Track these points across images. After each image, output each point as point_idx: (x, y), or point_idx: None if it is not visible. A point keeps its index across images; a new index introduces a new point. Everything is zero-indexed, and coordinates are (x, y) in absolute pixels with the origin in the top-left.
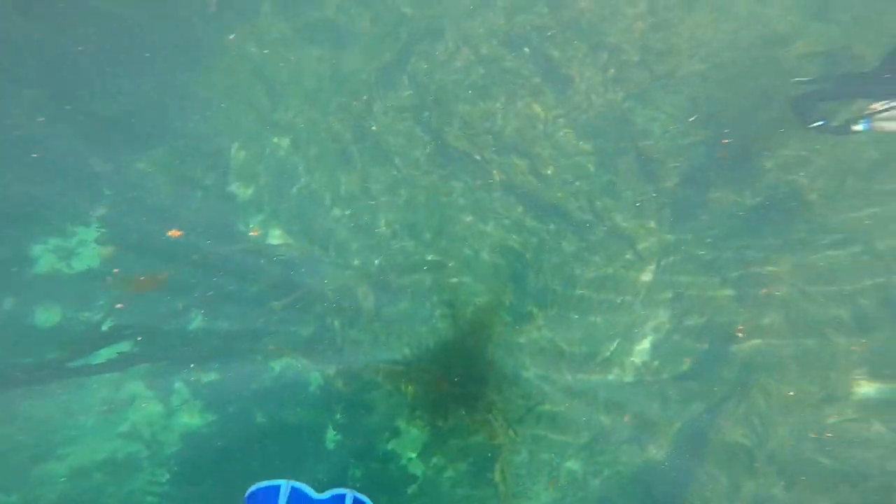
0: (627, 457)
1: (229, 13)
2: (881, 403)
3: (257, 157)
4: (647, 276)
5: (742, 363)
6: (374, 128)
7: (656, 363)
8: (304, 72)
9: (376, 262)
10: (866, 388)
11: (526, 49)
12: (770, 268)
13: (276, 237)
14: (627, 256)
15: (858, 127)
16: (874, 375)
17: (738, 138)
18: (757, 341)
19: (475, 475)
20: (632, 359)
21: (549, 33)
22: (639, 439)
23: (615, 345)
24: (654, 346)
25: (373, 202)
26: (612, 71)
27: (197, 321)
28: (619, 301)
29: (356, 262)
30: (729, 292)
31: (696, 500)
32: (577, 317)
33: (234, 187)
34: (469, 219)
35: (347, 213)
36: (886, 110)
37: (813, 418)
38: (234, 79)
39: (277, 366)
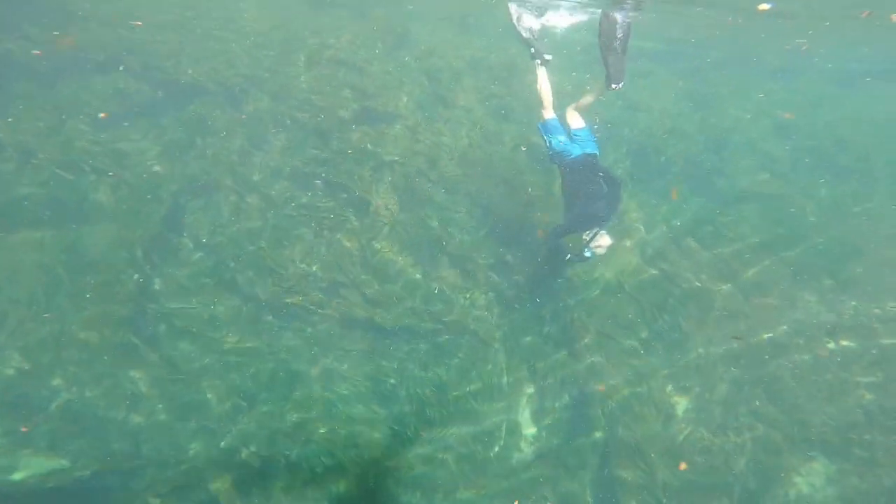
0: None
1: None
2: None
3: None
4: (501, 357)
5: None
6: (167, 305)
7: (543, 433)
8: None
9: (221, 444)
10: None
11: (317, 181)
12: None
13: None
14: (479, 349)
15: (587, 254)
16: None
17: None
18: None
19: None
20: (524, 433)
21: (331, 165)
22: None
23: (504, 427)
24: (535, 417)
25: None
26: (399, 184)
27: None
28: (490, 386)
29: (192, 451)
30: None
31: None
32: (459, 415)
33: None
34: (316, 369)
35: (159, 406)
36: (591, 238)
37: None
38: None
39: None
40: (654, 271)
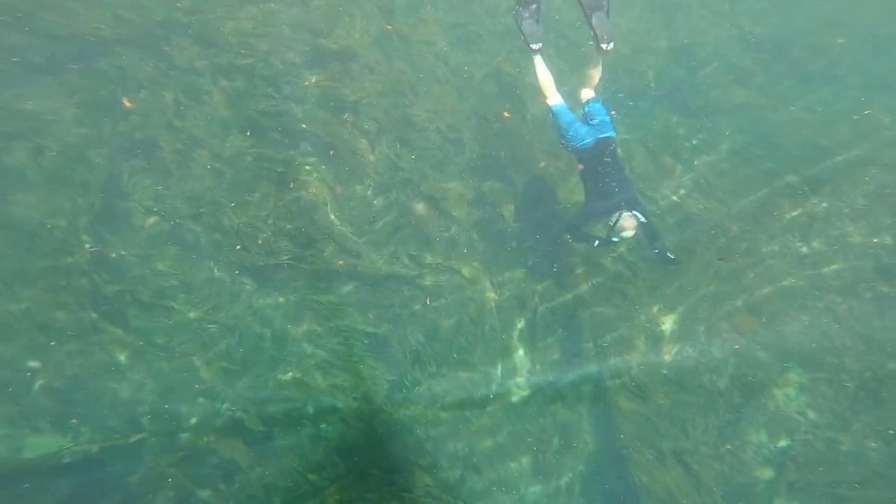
0: (570, 460)
1: None
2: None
3: None
4: (490, 295)
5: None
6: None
7: (538, 367)
8: None
9: (222, 408)
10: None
11: (274, 134)
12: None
13: None
14: (466, 287)
15: (615, 239)
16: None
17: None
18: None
19: None
20: (518, 373)
21: (286, 113)
22: (567, 440)
23: (499, 369)
24: (529, 354)
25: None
26: (365, 126)
27: None
28: (483, 329)
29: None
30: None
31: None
32: (456, 356)
33: None
34: (305, 327)
35: (147, 380)
36: (615, 222)
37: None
38: None
39: None
40: None
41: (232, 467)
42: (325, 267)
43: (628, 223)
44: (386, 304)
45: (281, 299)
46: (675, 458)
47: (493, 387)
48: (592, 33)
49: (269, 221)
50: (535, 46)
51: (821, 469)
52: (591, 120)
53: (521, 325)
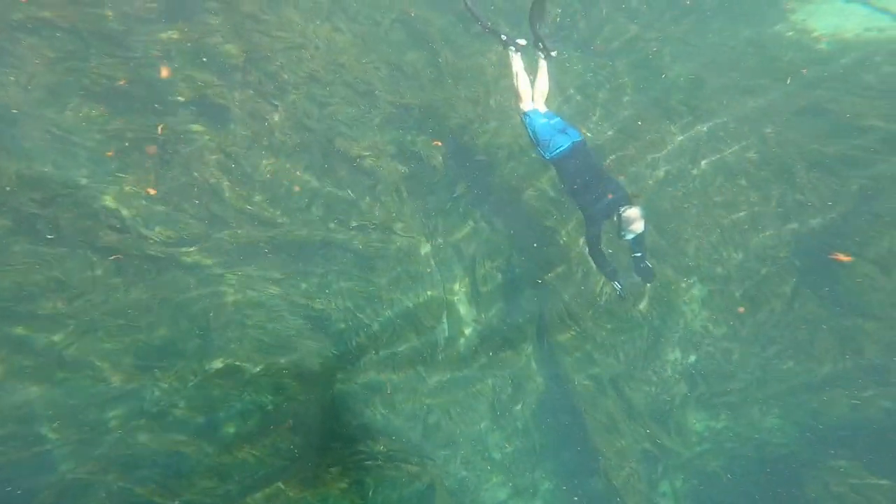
0: (523, 400)
1: None
2: None
3: None
4: (424, 247)
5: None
6: None
7: (482, 315)
8: None
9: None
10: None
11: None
12: None
13: None
14: (400, 244)
15: (628, 237)
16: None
17: None
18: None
19: None
20: (465, 324)
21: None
22: (518, 382)
23: (445, 322)
24: (473, 303)
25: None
26: (257, 85)
27: None
28: (423, 284)
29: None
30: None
31: (586, 405)
32: (399, 316)
33: None
34: (231, 307)
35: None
36: (619, 224)
37: None
38: None
39: None
40: None
41: (176, 461)
42: (247, 243)
43: (633, 214)
44: (319, 272)
45: (201, 288)
46: (612, 384)
47: (442, 341)
48: (540, 41)
49: (160, 206)
50: (521, 42)
51: (718, 380)
52: (557, 128)
53: (461, 274)
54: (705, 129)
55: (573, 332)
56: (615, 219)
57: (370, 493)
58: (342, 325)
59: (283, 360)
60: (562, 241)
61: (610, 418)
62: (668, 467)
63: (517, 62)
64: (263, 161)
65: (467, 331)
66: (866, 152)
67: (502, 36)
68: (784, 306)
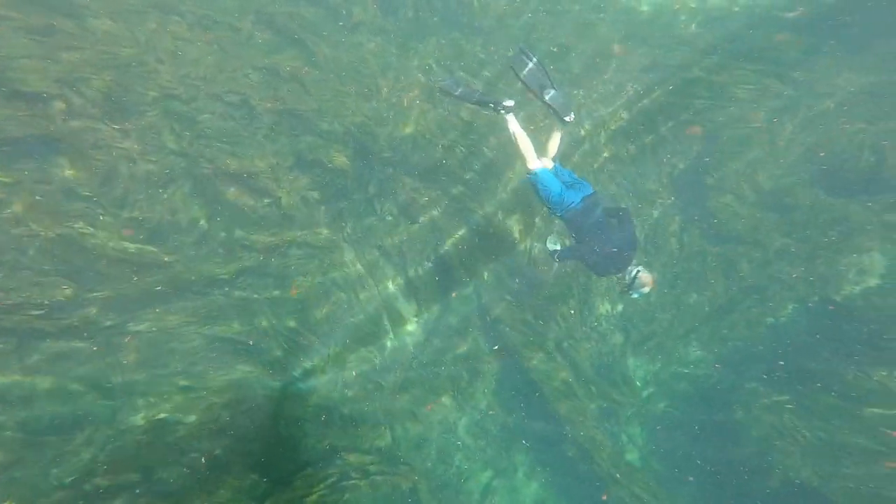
0: (481, 384)
1: None
2: None
3: None
4: (347, 252)
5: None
6: None
7: (423, 309)
8: None
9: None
10: None
11: None
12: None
13: None
14: (321, 255)
15: (635, 296)
16: None
17: None
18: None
19: None
20: (407, 321)
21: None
22: (473, 367)
23: (387, 324)
24: (410, 299)
25: None
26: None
27: None
28: (354, 290)
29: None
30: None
31: (539, 375)
32: (337, 328)
33: None
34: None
35: None
36: (630, 281)
37: None
38: None
39: None
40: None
41: None
42: (146, 290)
43: (647, 280)
44: (238, 304)
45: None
46: (558, 350)
47: (388, 343)
48: (551, 111)
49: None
50: (508, 103)
51: (644, 324)
52: (566, 182)
53: (392, 273)
54: (580, 92)
55: (508, 303)
56: (626, 278)
57: None
58: (278, 353)
59: (218, 401)
60: (485, 222)
61: (564, 384)
62: (623, 418)
63: (513, 123)
64: (130, 196)
65: (412, 327)
66: (700, 99)
67: (491, 104)
68: (678, 244)
